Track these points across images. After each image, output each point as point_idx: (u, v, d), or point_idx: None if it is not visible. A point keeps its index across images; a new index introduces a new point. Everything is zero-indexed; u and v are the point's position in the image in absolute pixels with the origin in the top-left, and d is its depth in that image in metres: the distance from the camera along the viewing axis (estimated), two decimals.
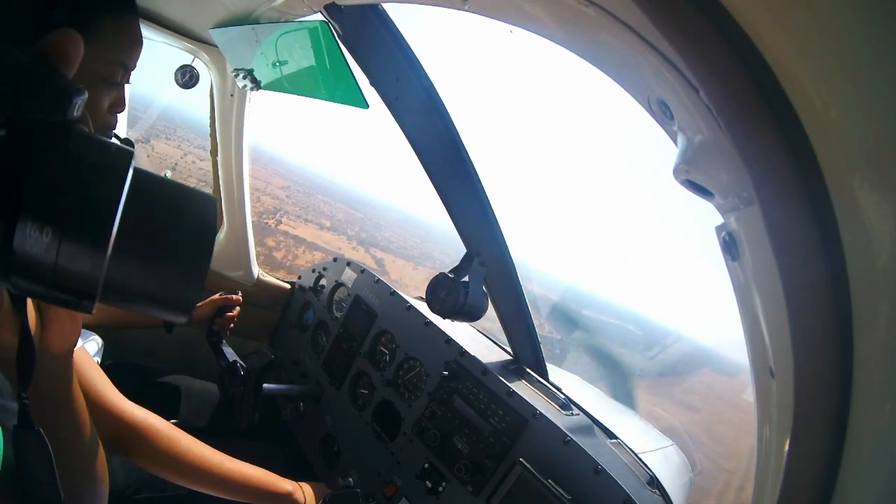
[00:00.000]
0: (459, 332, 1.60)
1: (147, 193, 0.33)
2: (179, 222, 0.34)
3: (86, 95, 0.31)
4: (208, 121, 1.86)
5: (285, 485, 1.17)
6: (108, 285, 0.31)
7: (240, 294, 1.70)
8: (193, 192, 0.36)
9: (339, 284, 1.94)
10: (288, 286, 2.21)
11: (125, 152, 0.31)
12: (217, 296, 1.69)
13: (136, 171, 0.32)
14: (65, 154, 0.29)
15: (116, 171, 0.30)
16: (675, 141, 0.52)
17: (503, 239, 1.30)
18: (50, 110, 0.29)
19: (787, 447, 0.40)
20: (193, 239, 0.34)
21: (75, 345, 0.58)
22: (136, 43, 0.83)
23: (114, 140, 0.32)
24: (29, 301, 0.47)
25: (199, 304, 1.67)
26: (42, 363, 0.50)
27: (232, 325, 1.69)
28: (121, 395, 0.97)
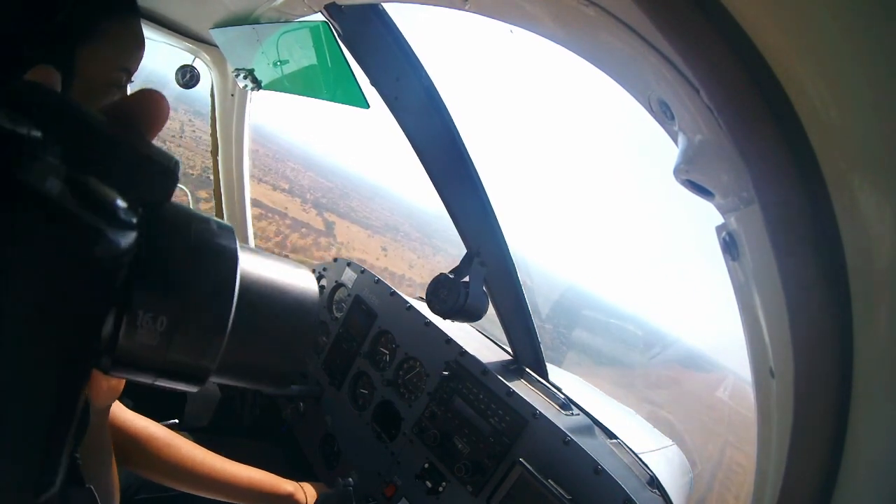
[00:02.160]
0: (459, 332, 1.60)
1: (250, 272, 0.32)
2: (284, 302, 0.33)
3: (181, 166, 0.28)
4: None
5: (286, 486, 1.18)
6: (217, 368, 0.29)
7: None
8: (294, 270, 0.35)
9: (339, 285, 1.94)
10: None
11: (227, 229, 0.28)
12: None
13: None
14: (171, 237, 0.26)
15: (228, 255, 0.27)
16: (675, 141, 0.52)
17: (503, 239, 1.30)
18: (160, 193, 0.26)
19: (787, 447, 0.40)
20: (297, 319, 0.34)
21: (116, 397, 0.60)
22: (140, 45, 0.82)
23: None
24: None
25: None
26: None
27: None
28: (120, 405, 0.96)
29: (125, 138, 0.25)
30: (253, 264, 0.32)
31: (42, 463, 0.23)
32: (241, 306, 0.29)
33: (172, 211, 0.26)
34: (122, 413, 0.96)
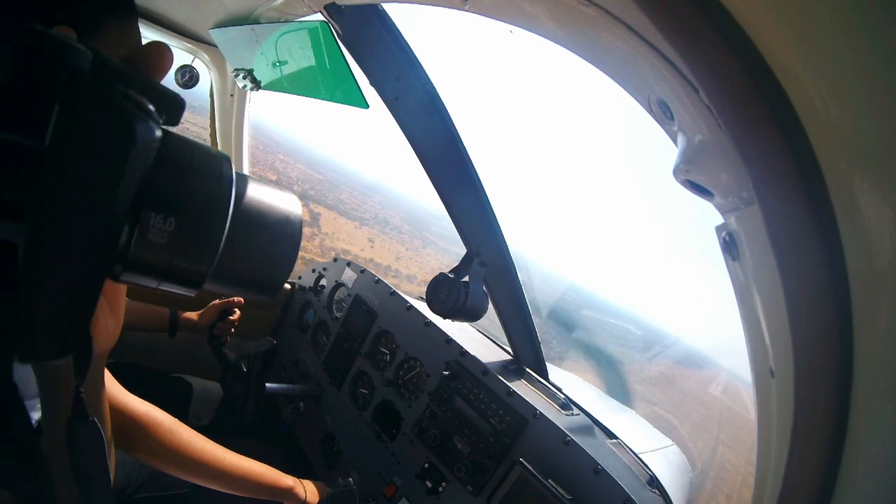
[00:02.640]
0: (459, 332, 1.60)
1: (244, 191, 0.37)
2: (272, 218, 0.38)
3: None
4: None
5: (286, 479, 1.18)
6: (213, 273, 0.34)
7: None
8: (280, 193, 0.40)
9: (339, 284, 1.94)
10: (288, 286, 2.21)
11: (224, 156, 0.34)
12: (217, 301, 1.69)
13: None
14: (178, 153, 0.31)
15: (225, 174, 0.33)
16: (675, 141, 0.52)
17: (503, 239, 1.30)
18: (171, 120, 0.32)
19: (787, 447, 0.40)
20: (283, 233, 0.38)
21: (113, 344, 0.60)
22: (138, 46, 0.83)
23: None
24: None
25: (200, 310, 1.68)
26: None
27: (233, 329, 1.69)
28: (123, 389, 0.96)
29: (138, 76, 0.32)
30: (247, 186, 0.38)
31: (69, 328, 0.28)
32: (235, 220, 0.34)
33: (178, 136, 0.32)
34: (124, 396, 0.96)
